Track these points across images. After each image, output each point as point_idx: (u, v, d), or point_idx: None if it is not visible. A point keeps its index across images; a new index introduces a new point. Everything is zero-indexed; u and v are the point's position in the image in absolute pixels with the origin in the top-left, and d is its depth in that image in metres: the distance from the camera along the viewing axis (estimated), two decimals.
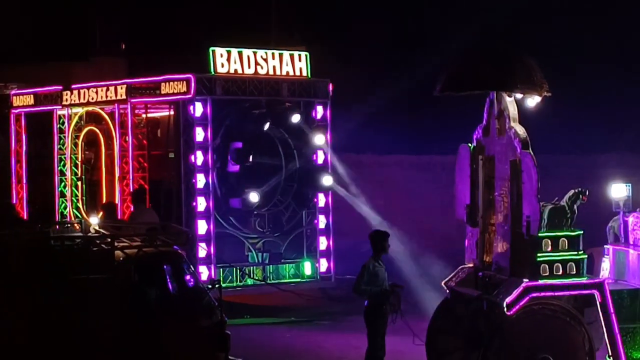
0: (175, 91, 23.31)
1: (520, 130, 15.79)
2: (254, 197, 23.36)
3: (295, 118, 23.87)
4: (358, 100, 30.17)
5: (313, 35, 31.11)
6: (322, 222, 24.59)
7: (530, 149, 15.59)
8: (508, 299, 15.33)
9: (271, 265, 24.06)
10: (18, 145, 27.29)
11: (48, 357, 13.79)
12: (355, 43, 34.52)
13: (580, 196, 15.79)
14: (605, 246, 17.25)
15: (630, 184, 16.90)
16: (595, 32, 34.71)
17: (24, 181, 27.13)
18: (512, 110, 16.00)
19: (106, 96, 24.64)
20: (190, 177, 23.17)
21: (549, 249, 15.56)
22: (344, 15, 35.57)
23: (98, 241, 14.60)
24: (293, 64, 24.29)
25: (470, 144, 16.89)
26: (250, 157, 23.56)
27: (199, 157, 23.09)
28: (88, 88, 25.17)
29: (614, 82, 34.07)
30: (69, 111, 25.85)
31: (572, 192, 15.89)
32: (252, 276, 23.84)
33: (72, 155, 25.96)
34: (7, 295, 13.66)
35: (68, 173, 26.06)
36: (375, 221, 26.02)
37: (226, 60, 23.57)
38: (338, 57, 31.21)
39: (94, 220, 18.41)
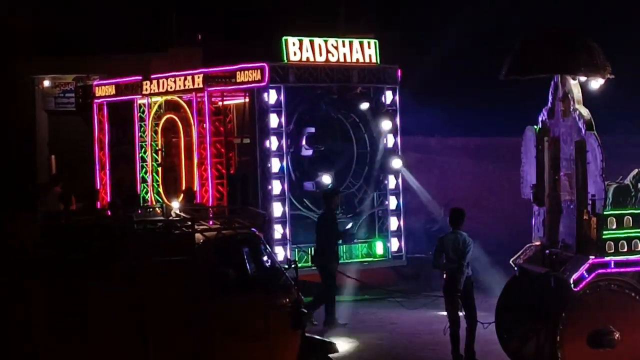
0: (250, 79, 23.38)
1: (585, 112, 15.73)
2: (326, 179, 23.45)
3: (365, 105, 23.95)
4: (426, 85, 30.08)
5: (381, 23, 31.02)
6: (392, 203, 24.57)
7: (594, 129, 15.53)
8: (575, 276, 15.29)
9: (344, 245, 24.09)
10: (101, 134, 27.53)
11: (134, 331, 13.91)
12: (423, 29, 34.38)
13: None
14: None
15: None
16: None
17: (107, 168, 27.39)
18: (576, 92, 15.94)
19: (184, 85, 24.78)
20: (265, 161, 23.24)
21: (614, 226, 15.49)
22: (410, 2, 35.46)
23: (179, 224, 14.71)
24: (362, 51, 24.27)
25: (535, 126, 16.85)
26: (322, 142, 23.62)
27: (273, 143, 23.16)
28: (167, 78, 25.33)
29: None
30: (149, 100, 26.04)
31: (636, 171, 15.80)
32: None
33: (152, 142, 26.15)
34: (92, 276, 13.80)
35: (149, 159, 26.27)
36: (444, 201, 26.06)
37: (298, 49, 23.61)
38: (405, 43, 31.13)
39: (175, 205, 18.55)
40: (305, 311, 14.72)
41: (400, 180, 24.68)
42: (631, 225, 15.55)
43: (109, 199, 26.52)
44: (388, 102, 24.50)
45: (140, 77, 26.06)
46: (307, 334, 14.82)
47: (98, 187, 26.94)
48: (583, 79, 15.91)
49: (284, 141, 23.25)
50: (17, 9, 32.73)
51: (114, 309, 13.79)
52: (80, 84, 29.90)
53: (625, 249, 15.50)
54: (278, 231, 23.03)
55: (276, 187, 23.18)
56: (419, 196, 26.13)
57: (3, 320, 13.59)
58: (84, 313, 13.71)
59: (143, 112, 26.24)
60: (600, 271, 15.37)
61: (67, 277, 13.74)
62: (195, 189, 24.12)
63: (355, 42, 24.25)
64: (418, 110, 27.15)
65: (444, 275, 17.49)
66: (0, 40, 32.24)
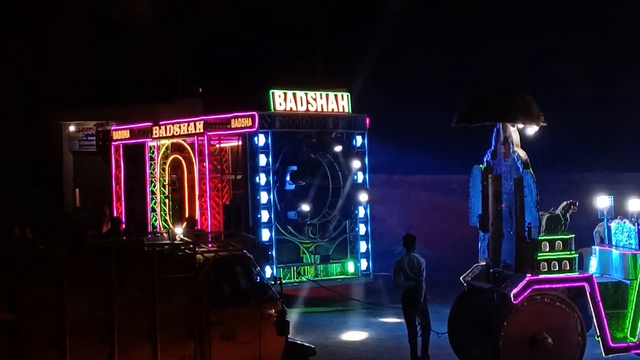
0: (243, 125, 23.36)
1: (522, 154, 15.78)
2: (306, 208, 23.48)
3: (338, 148, 23.99)
4: (391, 131, 30.11)
5: (353, 78, 31.11)
6: (362, 229, 24.54)
7: (530, 168, 15.56)
8: (514, 291, 15.29)
9: (321, 265, 24.05)
10: (117, 171, 27.46)
11: (142, 338, 13.83)
12: (389, 84, 34.51)
13: (572, 206, 15.76)
14: (592, 247, 17.14)
15: (612, 196, 16.81)
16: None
17: (123, 199, 27.30)
18: (515, 137, 15.99)
19: (187, 130, 24.74)
20: (255, 194, 23.20)
21: (547, 249, 15.52)
22: (377, 61, 35.57)
23: (182, 247, 14.66)
24: (337, 102, 24.28)
25: (481, 165, 16.86)
26: (303, 178, 23.62)
27: (262, 178, 23.13)
28: (173, 124, 25.28)
29: (599, 112, 33.98)
30: (158, 142, 25.98)
31: (565, 203, 15.85)
32: (305, 274, 23.84)
33: (160, 178, 26.10)
34: (108, 292, 13.71)
35: (157, 192, 26.20)
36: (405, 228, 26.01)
37: (283, 100, 23.61)
38: (374, 95, 31.20)
39: (179, 230, 18.46)
40: (289, 320, 14.68)
41: (368, 210, 24.65)
42: (561, 248, 15.58)
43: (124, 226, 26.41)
44: (358, 144, 24.51)
45: (151, 123, 26.01)
46: (290, 339, 14.78)
47: (115, 215, 26.83)
48: (521, 126, 15.96)
49: (271, 177, 23.22)
50: (48, 66, 32.75)
51: (128, 317, 13.72)
52: (100, 129, 29.84)
53: (557, 268, 15.52)
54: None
55: (264, 215, 23.13)
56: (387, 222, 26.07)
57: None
58: (103, 319, 13.65)
59: (153, 152, 26.19)
60: (535, 287, 15.37)
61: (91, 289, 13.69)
62: (196, 217, 24.05)
63: (331, 94, 24.28)
64: (383, 152, 27.20)
65: (402, 291, 17.39)
66: (34, 92, 32.22)
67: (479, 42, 34.23)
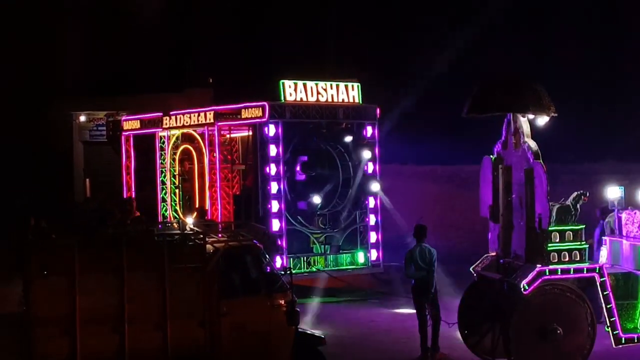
0: (253, 116, 23.37)
1: (533, 144, 15.76)
2: (316, 199, 23.50)
3: (349, 138, 24.00)
4: (401, 121, 30.09)
5: (364, 67, 31.08)
6: (372, 219, 24.54)
7: (540, 159, 15.56)
8: (524, 281, 15.30)
9: (331, 255, 24.07)
10: (128, 161, 27.48)
11: (152, 328, 13.87)
12: (400, 73, 34.49)
13: (582, 197, 15.78)
14: (603, 237, 17.14)
15: (622, 187, 16.81)
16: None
17: (133, 189, 27.33)
18: (526, 128, 15.98)
19: (197, 120, 24.75)
20: (265, 184, 23.21)
21: (557, 240, 15.52)
22: (387, 51, 35.55)
23: (193, 237, 14.68)
24: (347, 92, 24.28)
25: (492, 156, 16.86)
26: (314, 169, 23.62)
27: (272, 169, 23.14)
28: (183, 114, 25.30)
29: (610, 99, 33.96)
30: (168, 133, 26.01)
31: (575, 193, 15.85)
32: (315, 264, 23.87)
33: (170, 169, 26.13)
34: (119, 281, 13.75)
35: (168, 183, 26.22)
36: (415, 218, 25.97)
37: (293, 90, 23.61)
38: (385, 84, 31.21)
39: (189, 221, 18.48)
40: (298, 310, 14.69)
41: (378, 201, 24.65)
42: (572, 239, 15.58)
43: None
44: (368, 135, 24.50)
45: (161, 114, 26.03)
46: (299, 329, 14.80)
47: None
48: (531, 116, 15.95)
49: (281, 167, 23.23)
50: (58, 56, 32.80)
51: (139, 307, 13.77)
52: (110, 119, 29.86)
53: (567, 259, 15.52)
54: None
55: (274, 206, 23.14)
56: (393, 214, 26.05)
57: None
58: (114, 309, 13.70)
59: (163, 142, 26.21)
60: (545, 277, 15.38)
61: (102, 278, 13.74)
62: (206, 208, 24.08)
63: (341, 85, 24.27)
64: (394, 142, 27.18)
65: (413, 281, 17.41)
66: (45, 82, 32.28)
67: (489, 33, 34.16)
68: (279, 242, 22.64)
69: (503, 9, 34.39)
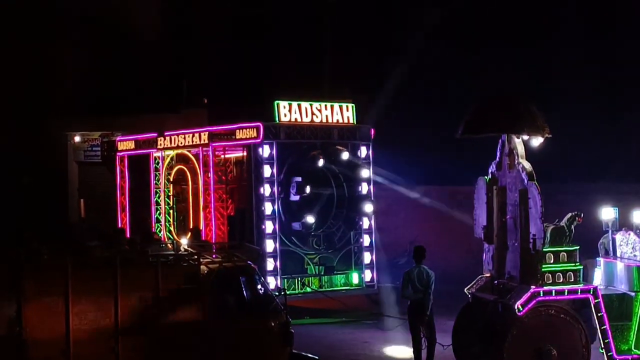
0: (247, 136, 23.38)
1: (527, 165, 15.78)
2: (311, 219, 23.48)
3: (344, 156, 24.00)
4: (395, 141, 30.12)
5: (359, 89, 31.11)
6: (366, 240, 24.52)
7: (535, 180, 15.57)
8: (519, 302, 15.29)
9: (325, 276, 24.04)
10: (122, 181, 27.48)
11: (151, 345, 13.85)
12: (393, 94, 34.52)
13: (576, 218, 15.77)
14: (597, 258, 17.14)
15: (617, 208, 16.82)
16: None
17: (127, 210, 27.31)
18: (520, 149, 15.99)
19: (192, 141, 24.77)
20: (260, 205, 23.20)
21: (552, 261, 15.52)
22: (381, 72, 35.58)
23: (187, 258, 14.66)
24: (342, 113, 24.31)
25: (486, 177, 16.87)
26: (308, 189, 23.59)
27: (266, 189, 23.13)
28: (177, 135, 25.31)
29: (603, 122, 34.02)
30: (163, 153, 26.01)
31: (569, 214, 15.86)
32: (310, 285, 23.83)
33: (165, 189, 26.12)
34: (113, 301, 13.74)
35: (162, 203, 26.21)
36: (409, 239, 25.98)
37: (288, 111, 23.64)
38: (379, 106, 31.22)
39: (184, 241, 18.46)
40: (293, 331, 14.67)
41: (372, 221, 24.64)
42: (566, 260, 15.58)
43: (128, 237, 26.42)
44: (363, 155, 24.51)
45: (156, 134, 26.04)
46: (294, 351, 14.77)
47: (119, 226, 26.79)
48: (526, 137, 15.96)
49: (275, 188, 23.23)
50: (53, 76, 32.80)
51: (134, 325, 13.74)
52: (105, 140, 29.88)
53: (561, 280, 15.52)
54: (270, 263, 22.97)
55: (269, 226, 23.13)
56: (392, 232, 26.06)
57: None
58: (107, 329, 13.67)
59: (157, 163, 26.21)
60: (540, 298, 15.37)
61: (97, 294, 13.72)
62: (200, 228, 24.06)
63: (336, 105, 24.29)
64: (388, 162, 27.19)
65: (409, 303, 17.37)
66: (40, 103, 32.27)
67: (483, 54, 34.26)
68: (260, 253, 22.38)
69: (499, 29, 34.52)
